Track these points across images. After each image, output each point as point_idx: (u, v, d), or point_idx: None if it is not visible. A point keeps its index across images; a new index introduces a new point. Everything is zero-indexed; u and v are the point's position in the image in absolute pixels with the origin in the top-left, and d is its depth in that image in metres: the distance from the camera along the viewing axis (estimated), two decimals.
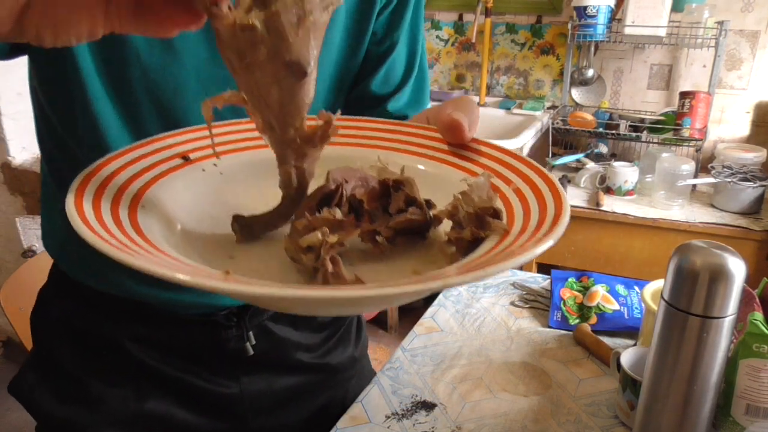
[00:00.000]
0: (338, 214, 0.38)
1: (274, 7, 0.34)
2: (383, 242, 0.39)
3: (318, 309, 0.42)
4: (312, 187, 0.42)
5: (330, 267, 0.35)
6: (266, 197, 0.44)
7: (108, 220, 0.35)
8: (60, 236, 0.74)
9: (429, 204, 0.43)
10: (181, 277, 0.29)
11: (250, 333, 0.77)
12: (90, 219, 0.34)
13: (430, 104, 0.85)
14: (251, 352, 0.77)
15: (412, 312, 2.57)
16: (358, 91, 0.79)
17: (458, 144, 0.49)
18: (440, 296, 1.18)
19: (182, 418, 0.78)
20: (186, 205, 0.43)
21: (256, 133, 0.41)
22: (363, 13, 0.71)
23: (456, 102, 0.51)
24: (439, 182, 0.46)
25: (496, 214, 0.38)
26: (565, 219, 0.35)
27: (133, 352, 0.74)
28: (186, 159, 0.46)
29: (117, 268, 0.69)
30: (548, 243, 0.33)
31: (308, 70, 0.36)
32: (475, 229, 0.38)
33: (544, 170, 0.42)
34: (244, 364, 0.80)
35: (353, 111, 0.81)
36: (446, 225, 0.42)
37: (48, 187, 0.74)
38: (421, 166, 0.48)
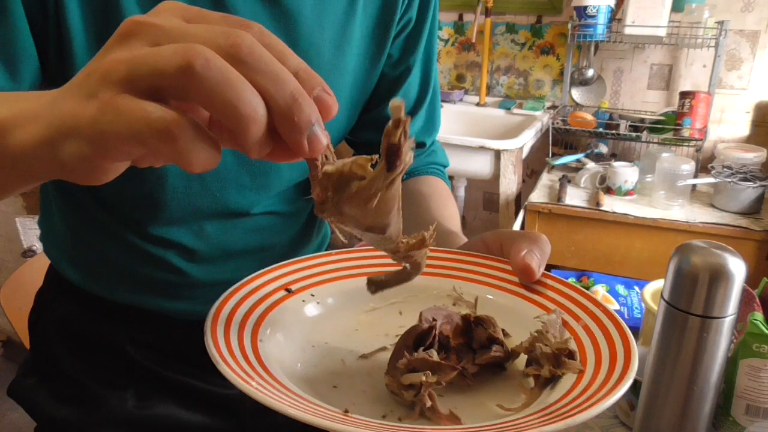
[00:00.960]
0: (434, 356, 0.42)
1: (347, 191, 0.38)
2: (470, 378, 0.44)
3: None
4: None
5: (428, 403, 0.40)
6: (357, 322, 0.52)
7: (240, 358, 0.40)
8: (60, 243, 0.74)
9: (504, 333, 0.47)
10: (309, 417, 0.33)
11: None
12: (229, 360, 0.38)
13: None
14: None
15: None
16: (373, 116, 0.78)
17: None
18: None
19: (182, 419, 0.77)
20: (292, 336, 0.48)
21: (348, 263, 0.51)
22: (379, 37, 0.71)
23: (530, 240, 0.53)
24: (509, 312, 0.51)
25: (571, 355, 0.42)
26: (636, 361, 0.40)
27: (131, 354, 0.74)
28: (289, 291, 0.52)
29: (116, 277, 0.68)
30: (624, 388, 0.37)
31: (387, 229, 0.40)
32: (553, 368, 0.42)
33: (608, 308, 0.47)
34: None
35: (369, 135, 0.81)
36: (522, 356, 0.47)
37: (46, 193, 0.73)
38: (491, 296, 0.53)
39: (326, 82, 0.61)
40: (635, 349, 0.42)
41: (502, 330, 0.47)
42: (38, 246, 1.92)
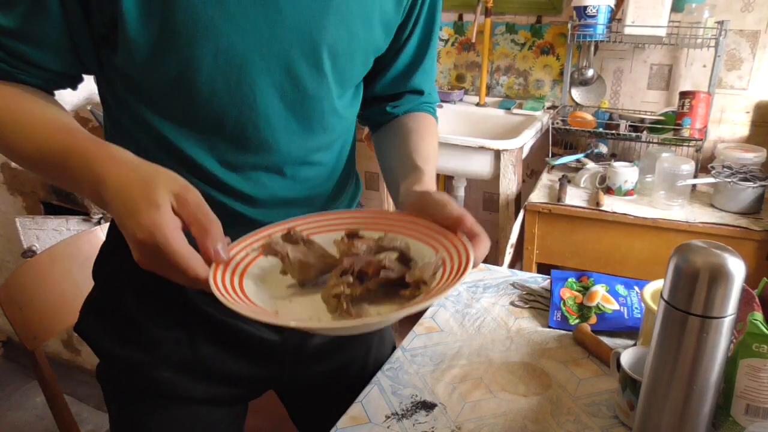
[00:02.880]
0: (350, 279, 0.63)
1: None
2: (372, 293, 0.64)
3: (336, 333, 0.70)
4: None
5: (344, 305, 0.61)
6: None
7: (228, 285, 0.61)
8: None
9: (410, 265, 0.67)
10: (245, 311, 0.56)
11: None
12: (220, 286, 0.59)
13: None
14: None
15: None
16: (375, 91, 0.91)
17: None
18: None
19: (228, 364, 0.86)
20: (268, 278, 0.68)
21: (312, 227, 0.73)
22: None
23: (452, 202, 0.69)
24: (417, 254, 0.69)
25: (424, 283, 0.62)
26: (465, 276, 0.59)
27: (190, 296, 0.81)
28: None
29: None
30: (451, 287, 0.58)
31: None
32: (411, 291, 0.63)
33: (469, 251, 0.63)
34: None
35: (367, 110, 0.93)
36: None
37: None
38: (409, 245, 0.70)
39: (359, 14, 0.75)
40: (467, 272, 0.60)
41: (409, 261, 0.67)
42: (38, 246, 1.93)
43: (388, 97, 0.94)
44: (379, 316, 0.61)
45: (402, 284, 0.64)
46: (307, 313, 0.64)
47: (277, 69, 0.70)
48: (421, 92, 0.95)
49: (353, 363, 0.99)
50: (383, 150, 0.93)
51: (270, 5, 0.67)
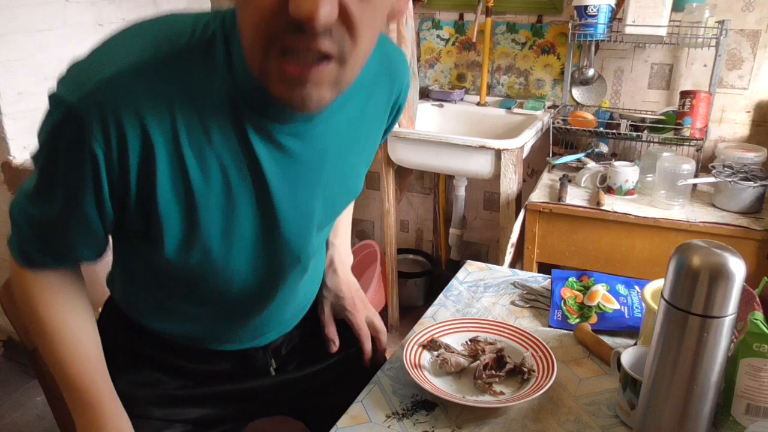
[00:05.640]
0: (493, 372, 0.94)
1: None
2: (502, 377, 0.94)
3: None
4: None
5: (496, 390, 0.91)
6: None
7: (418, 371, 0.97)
8: (120, 286, 0.93)
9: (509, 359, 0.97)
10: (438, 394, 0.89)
11: (272, 360, 0.98)
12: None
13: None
14: (273, 373, 0.99)
15: (413, 311, 2.57)
16: None
17: None
18: (441, 296, 1.18)
19: (203, 397, 0.95)
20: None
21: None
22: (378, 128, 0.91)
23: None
24: (512, 350, 0.99)
25: (531, 370, 0.93)
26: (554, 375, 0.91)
27: (166, 381, 0.93)
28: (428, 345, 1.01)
29: (164, 318, 0.92)
30: (548, 386, 0.89)
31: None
32: (523, 378, 0.93)
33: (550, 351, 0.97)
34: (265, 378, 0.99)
35: None
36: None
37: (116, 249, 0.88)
38: (503, 344, 1.00)
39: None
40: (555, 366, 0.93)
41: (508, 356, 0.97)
42: None
43: None
44: (517, 395, 0.89)
45: (514, 370, 0.94)
46: (460, 392, 0.91)
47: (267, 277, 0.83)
48: None
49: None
50: None
51: (271, 235, 0.77)
